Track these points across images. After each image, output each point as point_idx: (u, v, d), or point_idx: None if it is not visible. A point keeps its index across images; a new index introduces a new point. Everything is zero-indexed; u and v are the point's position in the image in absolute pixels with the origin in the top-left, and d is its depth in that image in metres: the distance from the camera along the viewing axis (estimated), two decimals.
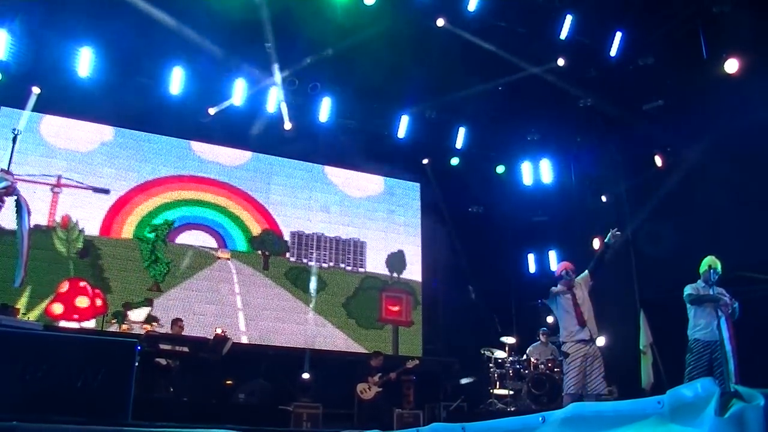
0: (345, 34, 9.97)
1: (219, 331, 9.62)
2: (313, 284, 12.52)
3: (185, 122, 11.59)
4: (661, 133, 10.99)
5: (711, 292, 7.00)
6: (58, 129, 11.24)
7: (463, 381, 11.04)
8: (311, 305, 12.35)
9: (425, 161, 13.51)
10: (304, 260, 12.66)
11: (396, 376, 10.46)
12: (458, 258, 13.14)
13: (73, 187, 11.15)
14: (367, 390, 10.26)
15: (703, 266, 7.15)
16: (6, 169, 4.90)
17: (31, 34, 9.97)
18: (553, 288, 6.98)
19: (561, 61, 10.88)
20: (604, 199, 12.40)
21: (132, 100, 10.84)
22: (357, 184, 13.61)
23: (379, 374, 10.37)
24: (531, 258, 13.53)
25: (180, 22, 9.79)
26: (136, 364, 4.35)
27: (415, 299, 13.36)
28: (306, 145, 12.53)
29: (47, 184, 10.93)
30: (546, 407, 8.81)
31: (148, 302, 10.86)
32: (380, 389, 10.26)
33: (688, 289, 7.18)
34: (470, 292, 10.93)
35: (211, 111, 11.32)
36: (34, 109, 10.88)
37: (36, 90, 10.43)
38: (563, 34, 10.36)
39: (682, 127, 10.40)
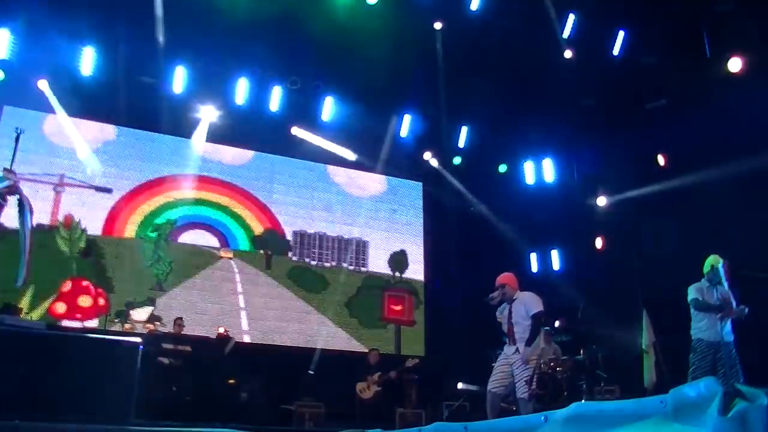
0: (347, 33, 9.97)
1: (221, 330, 9.63)
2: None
3: (188, 121, 11.60)
4: (663, 133, 10.97)
5: (715, 292, 6.99)
6: (60, 128, 11.24)
7: (464, 387, 11.00)
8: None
9: (428, 155, 13.46)
10: (307, 259, 12.66)
11: (396, 375, 10.45)
12: (460, 257, 13.14)
13: (75, 186, 11.16)
14: (366, 389, 10.26)
15: (707, 266, 7.12)
16: (9, 168, 4.90)
17: (34, 33, 9.98)
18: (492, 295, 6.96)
19: (568, 53, 10.86)
20: (601, 203, 12.39)
21: (135, 99, 10.85)
22: (359, 183, 13.60)
23: (379, 373, 10.36)
24: (533, 257, 13.53)
25: (183, 21, 9.81)
26: (139, 363, 4.35)
27: (417, 299, 13.36)
28: (308, 144, 12.55)
29: (50, 183, 10.95)
30: (548, 406, 8.80)
31: (151, 301, 10.87)
32: (379, 388, 10.25)
33: (692, 293, 7.13)
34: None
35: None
36: (36, 108, 10.91)
37: (43, 84, 10.38)
38: (566, 33, 10.36)
39: (684, 126, 10.37)
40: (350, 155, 12.69)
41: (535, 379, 6.53)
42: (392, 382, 10.46)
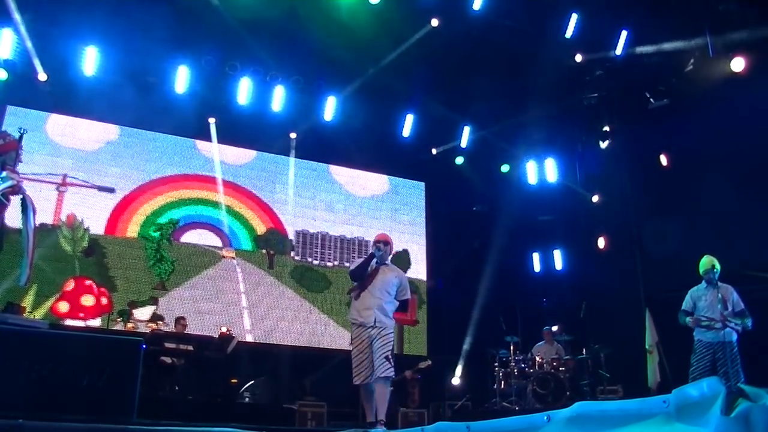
0: (350, 32, 9.97)
1: (224, 329, 9.63)
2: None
3: (190, 121, 11.61)
4: (666, 132, 10.96)
5: (714, 292, 7.00)
6: (63, 128, 11.26)
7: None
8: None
9: (433, 151, 13.44)
10: (309, 259, 12.67)
11: (410, 375, 10.46)
12: (463, 257, 13.14)
13: (78, 186, 11.17)
14: None
15: (702, 268, 7.14)
16: (12, 167, 4.91)
17: (36, 33, 9.99)
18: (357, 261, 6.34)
19: (579, 57, 10.86)
20: (595, 199, 12.39)
21: (137, 99, 10.85)
22: (361, 183, 13.61)
23: None
24: (536, 257, 13.51)
25: (185, 21, 9.81)
26: (141, 362, 4.35)
27: (419, 298, 13.35)
28: (311, 144, 12.57)
29: (52, 183, 10.96)
30: (551, 406, 8.80)
31: (153, 301, 10.88)
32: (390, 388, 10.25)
33: (684, 301, 7.22)
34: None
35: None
36: (39, 108, 10.93)
37: (42, 77, 10.36)
38: (569, 33, 10.34)
39: (687, 125, 10.36)
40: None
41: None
42: (398, 382, 10.47)
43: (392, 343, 5.98)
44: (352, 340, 6.08)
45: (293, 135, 12.50)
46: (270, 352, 11.15)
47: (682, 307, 7.23)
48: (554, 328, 10.89)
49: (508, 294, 12.64)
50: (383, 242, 6.24)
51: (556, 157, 13.19)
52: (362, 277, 6.13)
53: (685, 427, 1.75)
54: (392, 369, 5.88)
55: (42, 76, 10.27)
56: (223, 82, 11.25)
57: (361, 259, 6.27)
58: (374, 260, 6.18)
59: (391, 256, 6.39)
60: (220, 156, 12.38)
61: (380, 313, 6.00)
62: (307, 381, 10.54)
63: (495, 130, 12.85)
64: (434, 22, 10.20)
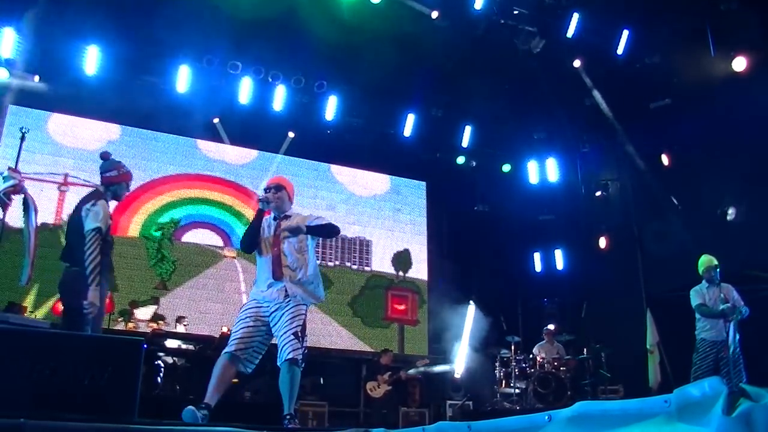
0: (351, 32, 9.97)
1: (225, 329, 9.63)
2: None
3: (192, 121, 11.61)
4: (668, 132, 10.95)
5: (717, 291, 7.02)
6: (65, 127, 11.28)
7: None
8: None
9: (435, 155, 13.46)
10: None
11: (406, 376, 10.48)
12: (464, 257, 13.13)
13: (80, 185, 11.17)
14: (376, 388, 10.27)
15: (701, 267, 7.16)
16: (13, 167, 4.92)
17: (38, 32, 10.00)
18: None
19: (577, 62, 10.86)
20: (598, 194, 12.40)
21: (139, 98, 10.85)
22: (363, 182, 13.61)
23: (389, 373, 10.38)
24: (537, 257, 13.51)
25: (186, 20, 9.81)
26: (142, 362, 4.35)
27: (420, 298, 13.36)
28: (312, 143, 12.57)
29: (54, 182, 10.97)
30: (552, 406, 8.79)
31: (155, 301, 10.87)
32: (390, 388, 10.27)
33: (695, 298, 7.18)
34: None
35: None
36: (41, 108, 10.94)
37: (36, 78, 10.37)
38: (570, 33, 10.33)
39: (689, 125, 10.35)
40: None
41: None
42: (401, 383, 10.50)
43: (304, 317, 4.63)
44: (242, 309, 4.81)
45: (291, 134, 12.47)
46: (270, 352, 11.12)
47: (699, 302, 7.14)
48: (552, 326, 10.90)
49: (509, 294, 12.65)
50: (273, 187, 4.80)
51: (557, 157, 13.19)
52: (255, 244, 4.84)
53: (686, 427, 1.75)
54: (301, 349, 4.58)
55: (35, 78, 10.30)
56: (225, 81, 11.26)
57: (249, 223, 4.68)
58: (265, 218, 4.80)
59: (293, 203, 4.95)
60: (220, 155, 12.40)
61: (294, 286, 4.65)
62: (308, 381, 10.54)
63: (496, 129, 12.84)
64: (434, 14, 10.15)
